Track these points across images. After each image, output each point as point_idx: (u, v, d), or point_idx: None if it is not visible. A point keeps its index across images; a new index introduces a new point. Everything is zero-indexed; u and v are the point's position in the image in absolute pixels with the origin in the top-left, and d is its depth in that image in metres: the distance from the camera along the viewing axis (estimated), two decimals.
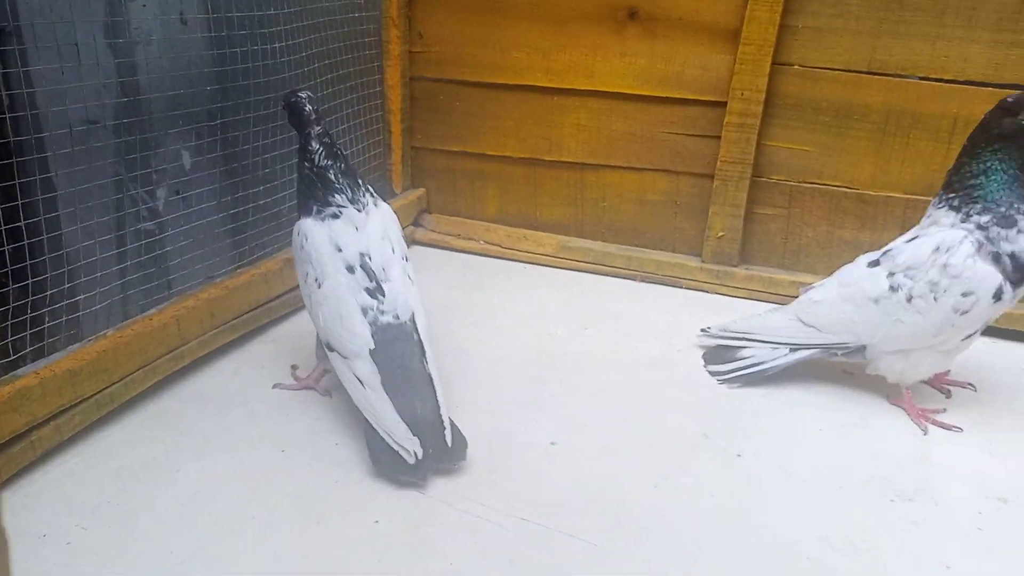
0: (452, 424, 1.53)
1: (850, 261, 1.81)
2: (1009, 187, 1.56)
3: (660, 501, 1.47)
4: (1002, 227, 1.55)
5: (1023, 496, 1.48)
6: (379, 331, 1.56)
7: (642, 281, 2.36)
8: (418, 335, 1.59)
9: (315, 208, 1.64)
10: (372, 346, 1.55)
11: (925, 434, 1.67)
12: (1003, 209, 1.55)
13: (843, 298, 1.73)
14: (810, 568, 1.32)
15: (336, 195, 1.64)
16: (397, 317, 1.59)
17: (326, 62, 2.28)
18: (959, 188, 1.60)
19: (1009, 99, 1.55)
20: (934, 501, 1.47)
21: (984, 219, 1.56)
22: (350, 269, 1.60)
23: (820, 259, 2.22)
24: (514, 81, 2.42)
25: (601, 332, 2.07)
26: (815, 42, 2.08)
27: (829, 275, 2.05)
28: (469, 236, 2.57)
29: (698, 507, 1.45)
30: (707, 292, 2.29)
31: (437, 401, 1.53)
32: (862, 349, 1.72)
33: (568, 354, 1.96)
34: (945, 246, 1.58)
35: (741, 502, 1.47)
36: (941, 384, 1.81)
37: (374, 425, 1.50)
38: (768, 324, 1.85)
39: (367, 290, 1.59)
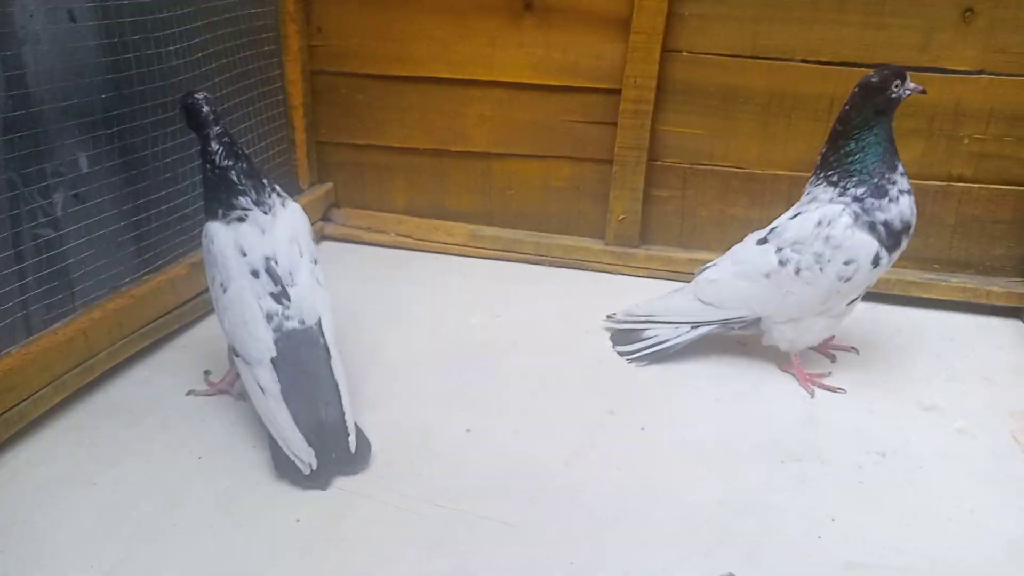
0: (357, 429, 1.57)
1: (741, 239, 1.93)
2: (882, 159, 1.69)
3: (571, 477, 1.55)
4: (876, 197, 1.68)
5: (899, 449, 1.62)
6: (283, 337, 1.58)
7: (551, 265, 2.44)
8: (324, 339, 1.61)
9: (220, 211, 1.64)
10: (274, 353, 1.56)
11: (812, 397, 1.80)
12: (876, 180, 1.68)
13: (737, 275, 1.84)
14: (711, 529, 1.43)
15: (240, 197, 1.63)
16: (303, 322, 1.61)
17: (224, 60, 2.26)
18: (837, 165, 1.72)
19: (873, 78, 1.68)
20: (820, 459, 1.60)
21: (860, 191, 1.69)
22: (255, 274, 1.61)
23: (715, 237, 2.34)
24: (416, 73, 2.45)
25: (513, 318, 2.14)
26: (701, 29, 2.18)
27: (723, 252, 2.17)
28: (380, 229, 2.59)
29: (606, 479, 1.55)
30: (611, 273, 2.39)
31: (342, 406, 1.56)
32: (757, 321, 1.85)
33: (481, 341, 2.03)
34: (826, 220, 1.71)
35: (646, 472, 1.57)
36: (827, 350, 1.95)
37: (273, 434, 1.53)
38: (669, 306, 1.95)
39: (272, 295, 1.60)
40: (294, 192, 2.58)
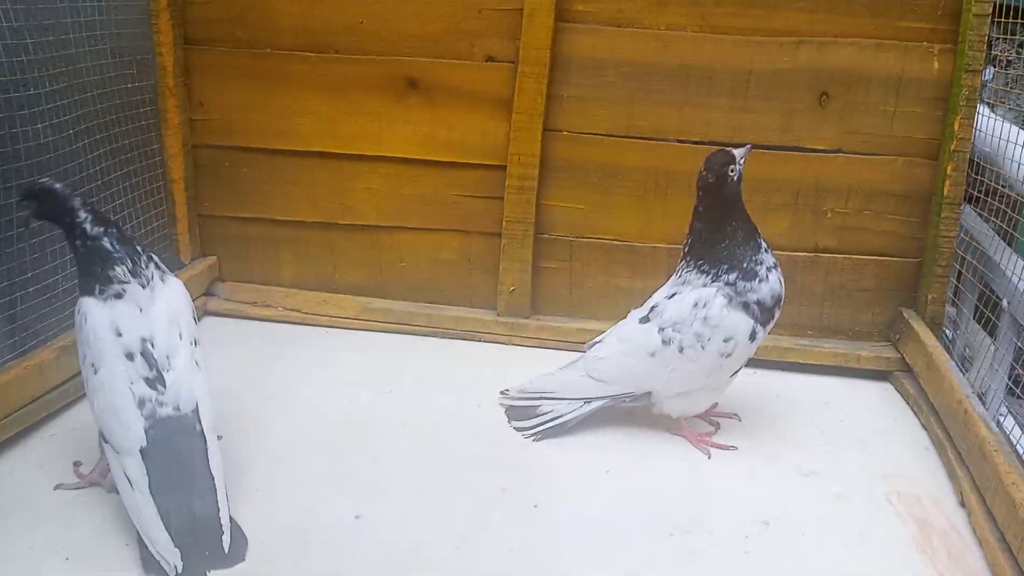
0: (233, 524, 1.51)
1: (625, 309, 1.98)
2: (746, 242, 1.79)
3: (462, 562, 1.53)
4: (746, 280, 1.78)
5: (781, 517, 1.67)
6: (156, 425, 1.51)
7: (443, 337, 2.43)
8: (201, 427, 1.55)
9: (96, 287, 1.56)
10: (144, 443, 1.49)
11: (709, 458, 1.86)
12: (745, 264, 1.78)
13: (623, 353, 1.89)
14: None
15: (116, 267, 1.55)
16: (178, 409, 1.54)
17: (99, 135, 2.19)
18: (706, 255, 1.80)
19: (710, 178, 1.78)
20: (707, 530, 1.63)
21: (731, 276, 1.78)
22: (129, 356, 1.54)
23: (601, 306, 2.39)
24: (301, 147, 2.43)
25: (403, 394, 2.12)
26: (579, 110, 2.27)
27: (610, 322, 2.23)
28: (266, 303, 2.53)
29: (498, 562, 1.53)
30: (503, 344, 2.40)
31: (217, 500, 1.50)
32: (647, 395, 1.90)
33: (370, 421, 1.99)
34: (702, 301, 1.79)
35: (539, 553, 1.56)
36: (709, 417, 2.01)
37: (139, 531, 1.46)
38: (561, 382, 1.98)
39: (146, 380, 1.53)
40: (175, 267, 2.49)
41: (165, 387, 1.54)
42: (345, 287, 2.53)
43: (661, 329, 1.83)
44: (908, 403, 2.10)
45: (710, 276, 1.80)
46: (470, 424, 1.98)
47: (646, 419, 1.97)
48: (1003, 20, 2.13)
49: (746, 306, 1.77)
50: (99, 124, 2.20)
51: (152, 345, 1.56)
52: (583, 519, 1.66)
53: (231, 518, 1.51)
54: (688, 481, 1.79)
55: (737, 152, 1.79)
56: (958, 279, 2.35)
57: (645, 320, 1.88)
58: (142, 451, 1.48)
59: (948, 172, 2.09)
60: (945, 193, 2.10)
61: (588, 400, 1.93)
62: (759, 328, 1.79)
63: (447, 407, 2.05)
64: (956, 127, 2.06)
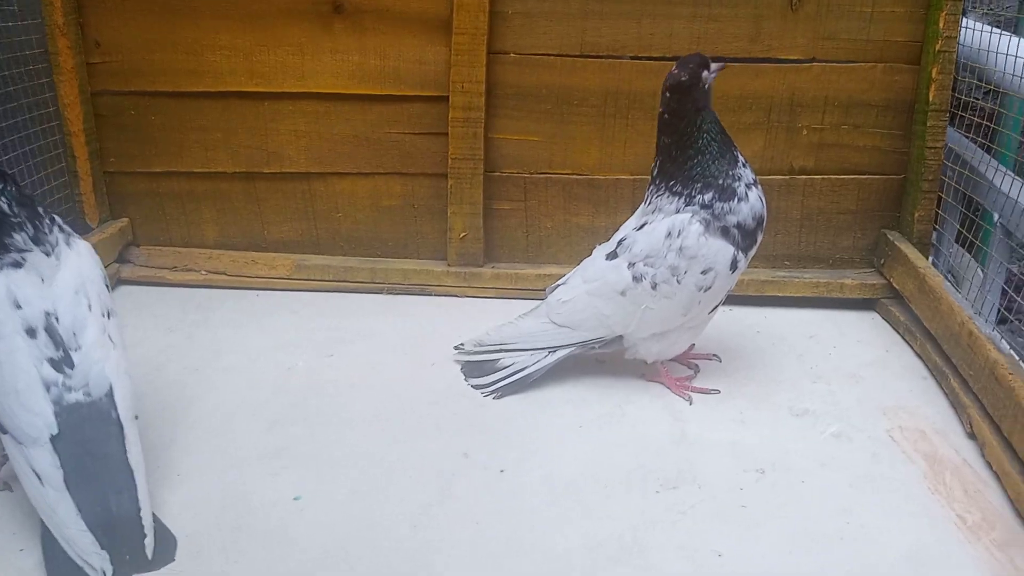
0: (157, 523, 1.30)
1: (589, 250, 1.78)
2: (721, 155, 1.57)
3: (420, 541, 1.32)
4: (724, 200, 1.56)
5: (777, 463, 1.50)
6: (65, 412, 1.27)
7: (389, 293, 2.20)
8: (117, 413, 1.31)
9: None
10: (55, 430, 1.26)
11: (690, 404, 1.68)
12: (721, 181, 1.56)
13: (590, 294, 1.68)
14: None
15: (14, 233, 1.31)
16: (89, 394, 1.30)
17: None
18: (677, 174, 1.59)
19: (683, 77, 1.55)
20: (697, 483, 1.45)
21: (707, 197, 1.56)
22: (31, 332, 1.29)
23: (561, 248, 2.18)
24: (215, 88, 2.15)
25: (348, 356, 1.89)
26: (527, 28, 2.03)
27: (573, 265, 2.03)
28: (187, 267, 2.26)
29: (462, 538, 1.33)
30: (457, 296, 2.18)
31: (137, 496, 1.27)
32: (619, 339, 1.70)
33: (311, 387, 1.76)
34: (676, 230, 1.58)
35: (508, 523, 1.36)
36: (687, 360, 1.82)
37: (54, 533, 1.22)
38: (521, 331, 1.77)
39: (51, 361, 1.29)
40: (82, 231, 2.19)
41: (73, 369, 1.30)
42: (275, 244, 2.28)
43: (631, 264, 1.62)
44: (899, 332, 1.94)
45: (683, 198, 1.58)
46: (424, 385, 1.76)
47: (618, 366, 1.78)
48: None
49: (725, 231, 1.56)
50: None
51: (57, 320, 1.32)
52: (556, 481, 1.46)
53: (154, 516, 1.29)
54: (670, 431, 1.60)
55: (712, 63, 1.57)
56: (938, 203, 2.19)
57: (612, 256, 1.67)
58: (53, 439, 1.25)
59: (933, 76, 1.90)
60: (930, 99, 1.92)
61: (553, 349, 1.72)
62: (740, 256, 1.59)
63: (397, 368, 1.83)
64: (941, 24, 1.87)
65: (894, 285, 1.98)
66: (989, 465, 1.46)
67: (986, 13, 2.41)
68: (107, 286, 1.44)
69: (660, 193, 1.62)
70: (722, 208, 1.56)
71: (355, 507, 1.40)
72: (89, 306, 1.36)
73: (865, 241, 2.12)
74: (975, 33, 1.97)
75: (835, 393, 1.72)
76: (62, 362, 1.30)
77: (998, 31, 2.00)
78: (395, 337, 1.97)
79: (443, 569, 1.26)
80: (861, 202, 2.09)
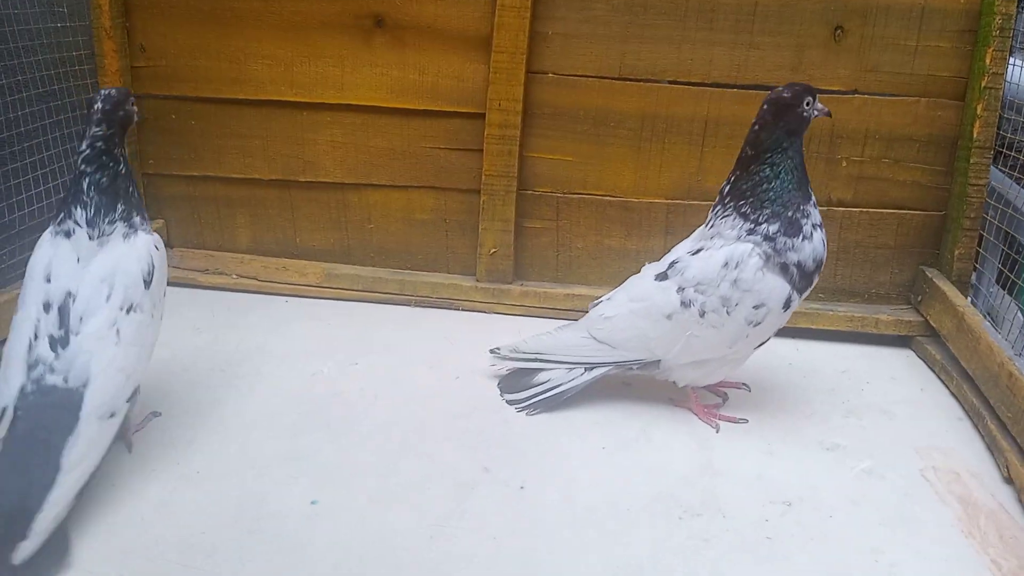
0: (55, 535, 1.23)
1: (618, 272, 1.76)
2: (797, 187, 1.53)
3: (437, 553, 1.30)
4: (789, 236, 1.52)
5: (805, 497, 1.46)
6: (37, 392, 1.29)
7: (417, 306, 2.19)
8: (82, 410, 1.29)
9: (59, 216, 1.40)
10: (13, 408, 1.27)
11: (718, 432, 1.64)
12: (790, 213, 1.52)
13: (635, 313, 1.65)
14: None
15: (76, 208, 1.38)
16: (66, 380, 1.30)
17: (25, 76, 1.94)
18: (750, 195, 1.54)
19: (785, 93, 1.52)
20: (721, 513, 1.41)
21: (772, 228, 1.52)
22: (47, 307, 1.34)
23: (592, 270, 2.16)
24: (256, 96, 2.18)
25: (373, 366, 1.88)
26: (566, 49, 2.03)
27: (602, 287, 2.01)
28: (219, 270, 2.28)
29: (479, 553, 1.30)
30: (484, 312, 2.17)
31: (47, 496, 1.22)
32: (657, 362, 1.66)
33: (334, 395, 1.75)
34: (734, 261, 1.54)
35: (525, 541, 1.33)
36: (717, 388, 1.79)
37: None
38: (560, 342, 1.74)
39: (50, 338, 1.31)
40: None
41: (64, 350, 1.32)
42: (307, 252, 2.29)
43: (681, 289, 1.59)
44: (935, 370, 1.89)
45: (749, 223, 1.53)
46: (446, 398, 1.75)
47: (645, 389, 1.76)
48: None
49: (784, 268, 1.52)
50: (25, 70, 1.94)
51: (73, 300, 1.35)
52: (576, 502, 1.43)
53: (60, 529, 1.24)
54: (696, 459, 1.57)
55: (819, 102, 1.55)
56: (979, 241, 2.15)
57: (663, 277, 1.63)
58: (2, 412, 1.28)
59: (978, 112, 1.87)
60: (974, 136, 1.88)
61: (590, 366, 1.69)
62: (795, 295, 1.54)
63: (421, 380, 1.82)
64: (988, 61, 1.84)
65: (931, 323, 1.94)
66: None
67: None
68: (145, 281, 1.43)
69: (726, 214, 1.57)
70: (785, 243, 1.52)
71: (372, 516, 1.38)
72: (108, 296, 1.37)
73: (903, 277, 2.08)
74: (1022, 71, 1.94)
75: (867, 429, 1.67)
76: (58, 343, 1.32)
77: None
78: (421, 349, 1.96)
79: None
80: (900, 237, 2.05)
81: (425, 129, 2.15)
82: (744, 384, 1.80)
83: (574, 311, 2.11)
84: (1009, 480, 1.49)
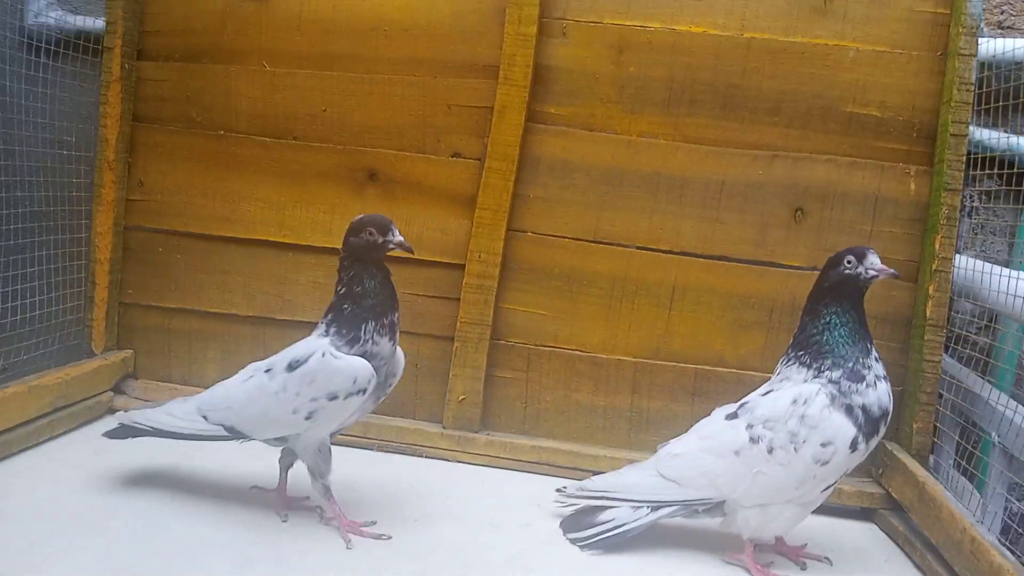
0: None
1: (585, 428, 1.80)
2: (853, 342, 1.62)
3: None
4: (852, 381, 1.59)
5: None
6: None
7: (380, 451, 2.15)
8: None
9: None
10: None
11: None
12: (851, 364, 1.60)
13: (703, 450, 1.68)
14: None
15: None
16: None
17: (22, 201, 2.02)
18: (806, 345, 1.65)
19: (833, 254, 1.66)
20: None
21: (835, 374, 1.60)
22: None
23: (559, 424, 2.17)
24: (245, 235, 2.26)
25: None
26: (546, 211, 2.16)
27: (568, 441, 2.03)
28: None
29: None
30: (449, 460, 2.13)
31: None
32: (722, 505, 1.67)
33: (284, 529, 1.68)
34: (802, 398, 1.60)
35: None
36: (796, 557, 1.75)
37: None
38: (627, 482, 1.75)
39: None
40: (84, 356, 2.23)
41: None
42: None
43: (750, 426, 1.62)
44: (898, 543, 1.87)
45: (811, 371, 1.62)
46: (405, 541, 1.69)
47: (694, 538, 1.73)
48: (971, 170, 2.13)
49: (850, 410, 1.57)
50: (23, 187, 2.03)
51: None
52: None
53: None
54: None
55: (877, 262, 1.63)
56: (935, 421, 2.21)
57: (733, 416, 1.68)
58: None
59: (930, 292, 1.99)
60: (928, 315, 1.99)
61: (656, 505, 1.69)
62: (861, 439, 1.58)
63: (379, 519, 1.76)
64: (937, 246, 1.98)
65: (893, 495, 1.94)
66: None
67: (979, 254, 2.56)
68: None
69: (790, 363, 1.67)
70: (849, 387, 1.59)
71: None
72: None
73: None
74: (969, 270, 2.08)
75: None
76: None
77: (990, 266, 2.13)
78: (380, 494, 1.91)
79: None
80: None
81: (405, 276, 2.21)
82: (826, 557, 1.76)
83: (539, 464, 2.10)
84: None
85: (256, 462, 1.88)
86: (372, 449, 2.15)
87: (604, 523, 1.71)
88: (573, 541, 1.72)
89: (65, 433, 2.05)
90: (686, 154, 2.12)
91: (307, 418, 1.63)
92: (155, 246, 2.31)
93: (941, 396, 2.07)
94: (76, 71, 2.28)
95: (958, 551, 1.59)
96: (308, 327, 2.23)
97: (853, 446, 1.58)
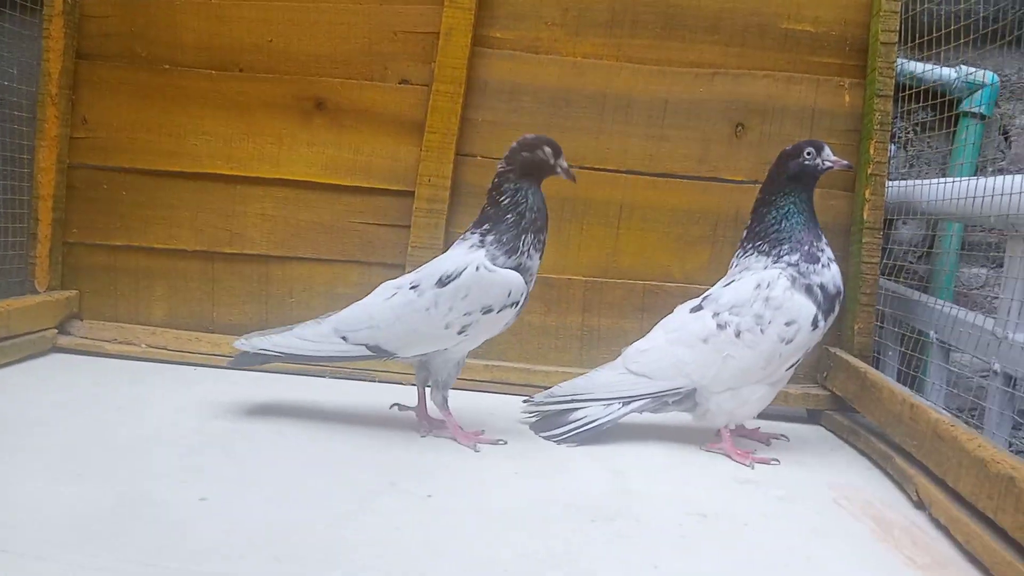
0: None
1: (538, 349, 1.90)
2: (807, 227, 1.69)
3: (335, 540, 1.20)
4: (809, 262, 1.67)
5: (721, 512, 1.43)
6: None
7: (333, 377, 2.14)
8: None
9: None
10: None
11: (752, 468, 1.66)
12: (807, 247, 1.67)
13: (672, 342, 1.73)
14: None
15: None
16: None
17: None
18: (764, 235, 1.71)
19: (788, 147, 1.72)
20: (636, 519, 1.36)
21: (794, 257, 1.67)
22: None
23: (511, 345, 2.17)
24: (191, 169, 2.24)
25: (280, 413, 1.81)
26: (494, 135, 2.18)
27: (520, 362, 2.06)
28: (128, 341, 2.21)
29: (381, 540, 1.21)
30: (402, 384, 2.12)
31: None
32: (692, 394, 1.71)
33: (235, 431, 1.67)
34: (765, 282, 1.66)
35: (431, 533, 1.26)
36: (758, 436, 1.85)
37: None
38: (595, 382, 1.78)
39: None
40: (26, 293, 2.18)
41: None
42: (223, 327, 2.24)
43: (716, 314, 1.69)
44: (843, 436, 1.92)
45: (771, 257, 1.69)
46: (360, 432, 1.69)
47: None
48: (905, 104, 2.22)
49: (809, 289, 1.65)
50: None
51: None
52: (486, 509, 1.37)
53: None
54: (612, 483, 1.52)
55: (831, 155, 1.71)
56: (880, 336, 2.29)
57: (697, 308, 1.73)
58: None
59: (866, 196, 2.05)
60: (865, 218, 2.05)
61: (627, 400, 1.73)
62: (821, 316, 1.65)
63: (333, 425, 1.75)
64: (872, 151, 2.05)
65: (837, 393, 1.99)
66: (937, 523, 1.39)
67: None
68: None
69: (748, 254, 1.73)
70: (808, 268, 1.66)
71: (266, 511, 1.28)
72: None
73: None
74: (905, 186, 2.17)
75: (779, 471, 1.66)
76: None
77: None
78: (335, 409, 1.90)
79: (361, 558, 1.14)
80: None
81: (355, 204, 2.23)
82: (783, 435, 1.85)
83: (493, 383, 2.11)
84: (919, 505, 1.48)
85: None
86: (325, 376, 2.14)
87: (576, 420, 1.74)
88: (547, 438, 1.74)
89: (6, 366, 2.00)
90: (630, 74, 2.16)
91: (460, 332, 1.63)
92: (100, 183, 2.28)
93: (884, 315, 2.14)
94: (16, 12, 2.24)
95: (899, 422, 1.63)
96: (257, 260, 2.25)
97: (815, 323, 1.65)
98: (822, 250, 1.69)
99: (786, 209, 1.70)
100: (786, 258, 1.68)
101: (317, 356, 1.73)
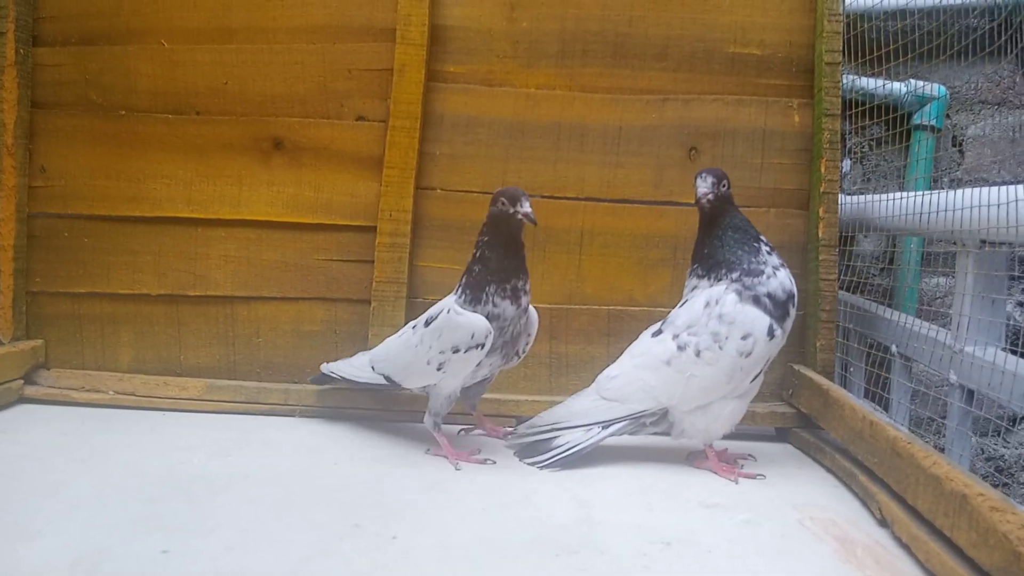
0: None
1: (513, 375, 1.93)
2: (739, 247, 1.74)
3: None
4: (751, 276, 1.71)
5: (684, 539, 1.43)
6: None
7: (302, 416, 2.14)
8: None
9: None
10: None
11: (737, 483, 1.71)
12: (745, 265, 1.72)
13: (637, 367, 1.78)
14: None
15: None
16: None
17: None
18: (705, 260, 1.78)
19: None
20: (599, 550, 1.37)
21: (734, 275, 1.71)
22: None
23: None
24: (152, 213, 2.24)
25: (249, 457, 1.80)
26: (452, 167, 2.20)
27: (491, 391, 2.07)
28: (95, 388, 2.19)
29: None
30: (376, 417, 2.12)
31: None
32: (666, 414, 1.76)
33: (201, 476, 1.66)
34: (714, 299, 1.71)
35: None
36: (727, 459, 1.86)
37: None
38: (573, 410, 1.83)
39: None
40: None
41: None
42: (191, 370, 2.24)
43: (675, 336, 1.73)
44: (809, 453, 1.94)
45: (711, 279, 1.75)
46: (326, 473, 1.69)
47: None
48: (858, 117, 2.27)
49: (757, 300, 1.69)
50: None
51: None
52: (450, 547, 1.37)
53: None
54: (576, 514, 1.53)
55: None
56: (844, 353, 2.31)
57: (658, 333, 1.79)
58: None
59: (821, 214, 2.09)
60: (820, 236, 2.08)
61: (606, 424, 1.77)
62: (776, 325, 1.69)
63: (298, 465, 1.75)
64: (823, 170, 2.08)
65: (802, 410, 2.01)
66: (899, 541, 1.41)
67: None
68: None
69: (694, 283, 1.80)
70: (751, 281, 1.70)
71: (228, 561, 1.28)
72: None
73: (773, 376, 2.17)
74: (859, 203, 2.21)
75: (745, 493, 1.68)
76: None
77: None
78: (301, 444, 1.90)
79: None
80: None
81: (317, 242, 2.23)
82: (750, 455, 1.89)
83: (462, 414, 2.11)
84: (883, 523, 1.50)
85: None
86: (294, 416, 2.13)
87: (560, 447, 1.79)
88: (532, 464, 1.78)
89: None
90: (583, 103, 2.19)
91: (439, 369, 1.76)
92: (61, 232, 2.27)
93: (848, 331, 2.17)
94: None
95: (860, 439, 1.65)
96: (222, 301, 2.25)
97: (770, 333, 1.69)
98: (764, 263, 1.73)
99: (715, 241, 1.76)
100: (728, 276, 1.73)
101: (357, 381, 1.97)
